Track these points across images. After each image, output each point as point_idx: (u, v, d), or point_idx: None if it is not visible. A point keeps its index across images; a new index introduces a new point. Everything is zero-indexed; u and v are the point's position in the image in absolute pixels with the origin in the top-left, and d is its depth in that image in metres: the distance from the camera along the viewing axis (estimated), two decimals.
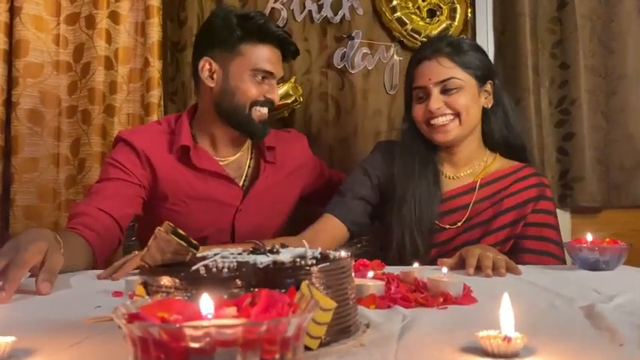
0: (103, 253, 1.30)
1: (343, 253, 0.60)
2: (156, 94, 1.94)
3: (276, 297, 0.42)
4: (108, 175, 1.43)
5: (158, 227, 0.56)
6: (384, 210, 1.49)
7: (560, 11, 1.99)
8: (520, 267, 1.09)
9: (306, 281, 0.51)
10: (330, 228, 1.44)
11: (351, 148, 1.99)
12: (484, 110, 1.46)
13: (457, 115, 1.39)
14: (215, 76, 1.45)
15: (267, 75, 1.44)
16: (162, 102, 1.98)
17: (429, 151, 1.47)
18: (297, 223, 1.58)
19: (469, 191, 1.44)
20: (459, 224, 1.42)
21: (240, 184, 1.52)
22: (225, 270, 0.51)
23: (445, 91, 1.39)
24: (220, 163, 1.50)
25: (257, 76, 1.43)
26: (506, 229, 1.40)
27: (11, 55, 1.90)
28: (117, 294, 0.86)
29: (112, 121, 1.94)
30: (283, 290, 0.48)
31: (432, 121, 1.40)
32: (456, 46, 1.42)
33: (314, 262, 0.54)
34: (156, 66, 1.94)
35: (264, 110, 1.46)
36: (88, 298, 0.85)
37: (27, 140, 1.89)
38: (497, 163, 1.49)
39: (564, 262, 1.37)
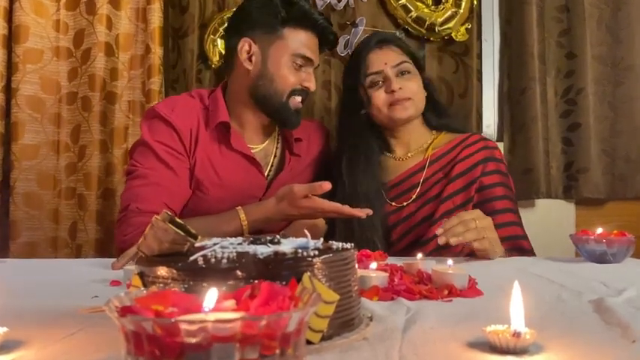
0: None
1: (346, 244, 0.58)
2: (157, 81, 1.92)
3: (276, 290, 0.41)
4: (163, 161, 1.35)
5: (155, 216, 0.54)
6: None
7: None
8: (525, 258, 1.08)
9: (308, 273, 0.50)
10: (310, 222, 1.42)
11: None
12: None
13: (412, 97, 1.47)
14: (253, 58, 1.39)
15: (306, 62, 1.40)
16: (163, 89, 1.96)
17: (377, 139, 1.53)
18: None
19: (420, 169, 1.49)
20: (412, 200, 1.46)
21: (265, 173, 1.47)
22: (225, 261, 0.50)
23: (401, 74, 1.47)
24: (250, 149, 1.45)
25: (296, 61, 1.39)
26: (459, 195, 1.42)
27: (11, 40, 1.87)
28: (114, 283, 0.84)
29: (112, 108, 1.91)
30: (284, 282, 0.46)
31: (396, 97, 1.45)
32: (395, 38, 1.57)
33: (316, 253, 0.52)
34: (157, 52, 1.91)
35: (299, 99, 1.42)
36: (86, 287, 0.84)
37: (27, 127, 1.88)
38: (445, 138, 1.54)
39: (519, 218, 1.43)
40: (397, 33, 1.93)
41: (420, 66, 1.55)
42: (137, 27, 1.96)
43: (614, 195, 1.96)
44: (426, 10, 1.93)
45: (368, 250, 1.09)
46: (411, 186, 1.48)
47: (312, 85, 1.43)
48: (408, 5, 1.93)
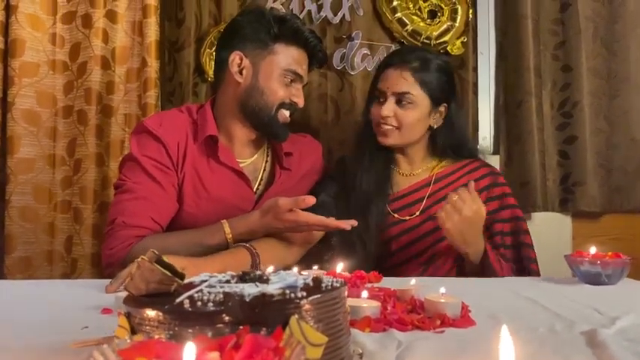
0: None
1: (336, 281, 0.58)
2: (153, 95, 1.91)
3: (260, 342, 0.40)
4: (150, 175, 1.35)
5: (142, 256, 0.53)
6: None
7: (562, 13, 1.96)
8: (519, 279, 1.09)
9: (296, 316, 0.49)
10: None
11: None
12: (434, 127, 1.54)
13: (399, 127, 1.48)
14: (244, 71, 1.41)
15: (296, 78, 1.42)
16: (159, 102, 1.96)
17: (385, 149, 1.54)
18: None
19: (425, 185, 1.53)
20: (417, 214, 1.49)
21: (255, 188, 1.47)
22: (211, 304, 0.49)
23: (399, 102, 1.47)
24: (239, 163, 1.45)
25: (287, 77, 1.40)
26: None
27: (7, 54, 1.87)
28: (106, 311, 0.84)
29: (108, 121, 1.91)
30: (270, 330, 0.45)
31: (381, 124, 1.49)
32: (424, 62, 1.48)
33: (304, 294, 0.52)
34: (153, 66, 1.91)
35: (288, 114, 1.44)
36: (77, 314, 0.83)
37: (23, 140, 1.87)
38: (448, 162, 1.57)
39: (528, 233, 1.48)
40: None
41: (439, 97, 1.50)
42: (133, 40, 1.96)
43: (611, 208, 1.96)
44: (421, 24, 1.94)
45: (362, 272, 1.09)
46: (416, 200, 1.51)
47: (300, 101, 1.44)
48: (404, 19, 1.93)
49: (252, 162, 1.49)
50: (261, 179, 1.50)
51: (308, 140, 1.63)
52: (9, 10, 1.86)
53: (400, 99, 1.46)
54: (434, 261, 1.46)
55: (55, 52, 1.93)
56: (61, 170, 1.93)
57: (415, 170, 1.56)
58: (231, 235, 1.27)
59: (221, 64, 1.44)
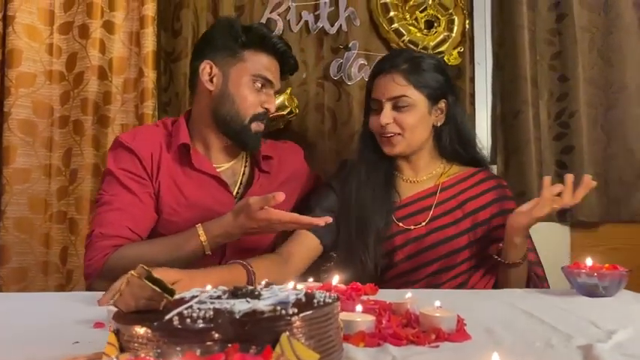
0: None
1: (329, 297, 0.57)
2: (150, 105, 1.91)
3: None
4: (126, 187, 1.38)
5: (131, 272, 0.53)
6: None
7: (559, 23, 1.97)
8: (515, 292, 1.08)
9: (286, 333, 0.48)
10: (305, 244, 1.42)
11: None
12: (437, 126, 1.50)
13: (402, 132, 1.44)
14: (215, 79, 1.44)
15: (266, 83, 1.44)
16: (156, 112, 1.96)
17: (387, 157, 1.50)
18: (290, 233, 1.55)
19: (431, 194, 1.48)
20: (423, 224, 1.45)
21: (234, 192, 1.49)
22: (200, 321, 0.48)
23: (397, 107, 1.43)
24: (215, 168, 1.47)
25: (256, 82, 1.42)
26: (470, 232, 1.44)
27: (4, 64, 1.87)
28: (98, 325, 0.83)
29: (105, 131, 1.91)
30: (260, 348, 0.45)
31: (382, 134, 1.46)
32: (414, 63, 1.45)
33: (295, 310, 0.51)
34: (150, 76, 1.91)
35: (263, 124, 1.46)
36: (68, 329, 0.82)
37: (19, 151, 1.87)
38: (455, 169, 1.53)
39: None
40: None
41: (437, 94, 1.47)
42: (131, 51, 1.96)
43: (609, 217, 1.96)
44: (418, 34, 1.94)
45: (358, 284, 1.08)
46: (422, 208, 1.47)
47: (272, 107, 1.46)
48: (401, 29, 1.94)
49: (231, 167, 1.51)
50: (241, 183, 1.51)
51: (288, 145, 1.65)
52: (6, 20, 1.87)
53: (397, 104, 1.43)
54: (439, 273, 1.43)
55: (52, 63, 1.93)
56: (56, 180, 1.92)
57: (420, 177, 1.52)
58: (205, 238, 1.26)
59: (194, 75, 1.47)
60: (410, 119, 1.43)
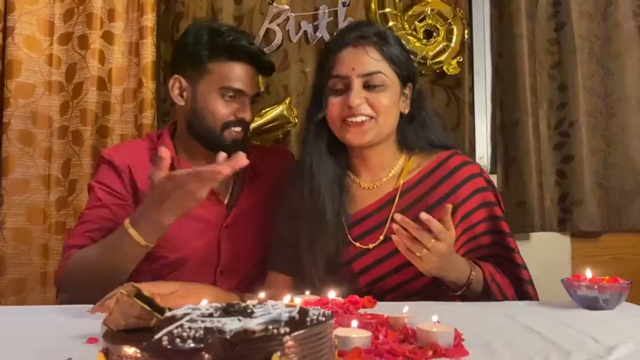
0: None
1: (323, 314, 0.56)
2: (149, 115, 1.92)
3: None
4: (99, 200, 1.39)
5: (121, 290, 0.52)
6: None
7: (558, 32, 1.97)
8: (515, 304, 1.07)
9: (278, 353, 0.48)
10: (280, 283, 1.34)
11: None
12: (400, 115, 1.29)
13: (376, 115, 1.22)
14: (185, 94, 1.44)
15: (237, 93, 1.41)
16: (155, 123, 1.96)
17: (340, 157, 1.30)
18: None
19: (389, 202, 1.27)
20: (379, 243, 1.23)
21: (225, 202, 1.49)
22: (190, 341, 0.48)
23: (368, 87, 1.22)
24: None
25: (225, 95, 1.40)
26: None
27: (3, 75, 1.88)
28: (91, 340, 0.82)
29: (104, 142, 1.91)
30: None
31: (349, 119, 1.22)
32: (383, 36, 1.25)
33: (287, 330, 0.50)
34: (149, 87, 1.91)
35: (238, 129, 1.42)
36: (61, 344, 0.81)
37: (17, 161, 1.87)
38: (415, 162, 1.31)
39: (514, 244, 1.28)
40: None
41: (406, 76, 1.28)
42: (130, 61, 1.96)
43: (610, 227, 1.95)
44: (417, 44, 1.94)
45: (356, 297, 1.08)
46: (378, 223, 1.26)
47: (246, 116, 1.43)
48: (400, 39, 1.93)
49: None
50: (231, 192, 1.50)
51: (276, 150, 1.65)
52: (6, 31, 1.87)
53: (369, 82, 1.21)
54: (415, 295, 1.22)
55: (52, 73, 1.93)
56: (55, 191, 1.92)
57: (377, 180, 1.30)
58: (133, 230, 1.17)
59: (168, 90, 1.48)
60: (385, 100, 1.22)
